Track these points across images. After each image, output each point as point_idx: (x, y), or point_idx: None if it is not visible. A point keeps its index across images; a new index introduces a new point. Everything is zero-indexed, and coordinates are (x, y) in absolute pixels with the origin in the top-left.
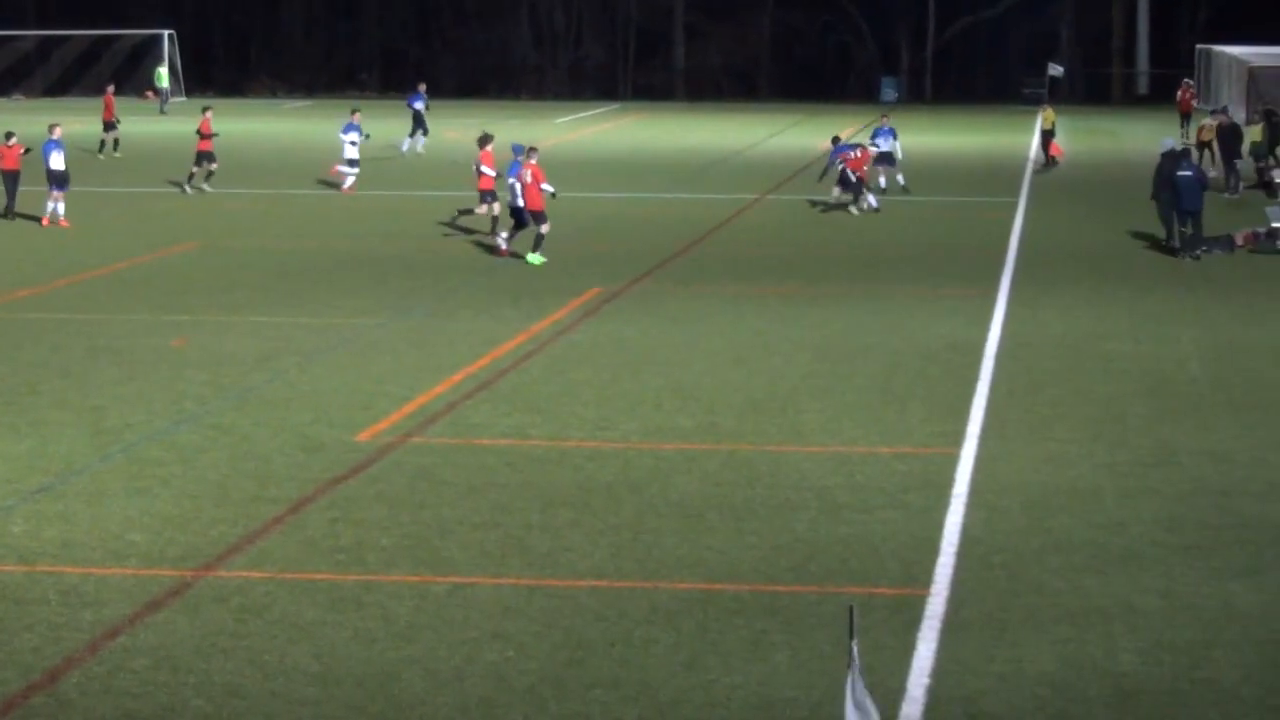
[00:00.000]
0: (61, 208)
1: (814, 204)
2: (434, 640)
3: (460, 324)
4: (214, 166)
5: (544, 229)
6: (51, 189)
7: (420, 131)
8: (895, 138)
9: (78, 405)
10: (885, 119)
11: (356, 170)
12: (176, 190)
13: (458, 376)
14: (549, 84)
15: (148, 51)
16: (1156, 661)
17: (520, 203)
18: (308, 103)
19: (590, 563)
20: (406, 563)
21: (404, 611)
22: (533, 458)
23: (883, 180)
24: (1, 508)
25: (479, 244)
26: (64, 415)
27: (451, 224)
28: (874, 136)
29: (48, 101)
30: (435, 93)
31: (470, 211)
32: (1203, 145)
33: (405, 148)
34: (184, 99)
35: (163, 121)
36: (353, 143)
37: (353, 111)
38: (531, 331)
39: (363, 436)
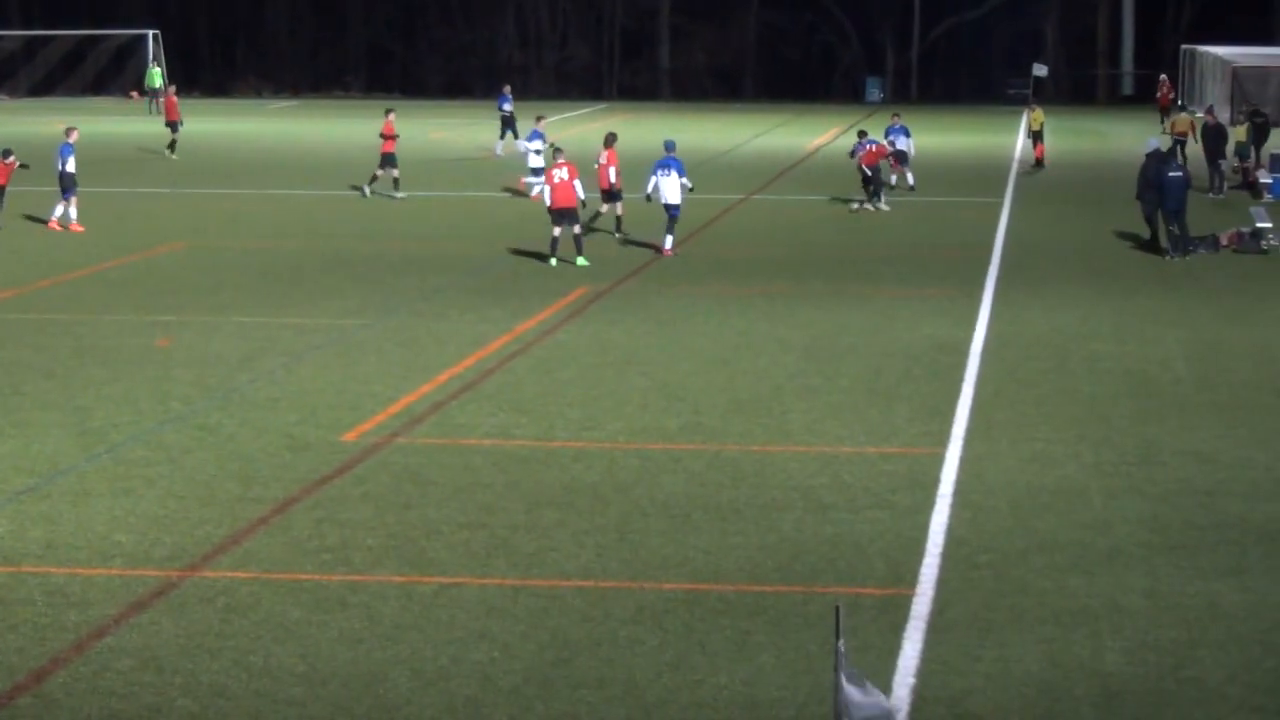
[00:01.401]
0: (74, 212)
1: (836, 200)
2: (420, 640)
3: (446, 324)
4: (396, 172)
5: (577, 229)
6: (64, 194)
7: (510, 133)
8: (908, 135)
9: (63, 405)
10: (897, 117)
11: (541, 179)
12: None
13: (444, 377)
14: (535, 84)
15: (133, 52)
16: (1142, 661)
17: (666, 200)
18: (294, 103)
19: (576, 563)
20: (392, 563)
21: (390, 612)
22: (519, 458)
23: (894, 178)
24: None
25: (520, 249)
26: (49, 416)
27: (586, 228)
28: (887, 134)
29: (32, 101)
30: (420, 93)
31: (598, 214)
32: (1178, 140)
33: (499, 150)
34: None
35: (155, 122)
36: (536, 151)
37: (538, 118)
38: (517, 332)
39: (349, 437)
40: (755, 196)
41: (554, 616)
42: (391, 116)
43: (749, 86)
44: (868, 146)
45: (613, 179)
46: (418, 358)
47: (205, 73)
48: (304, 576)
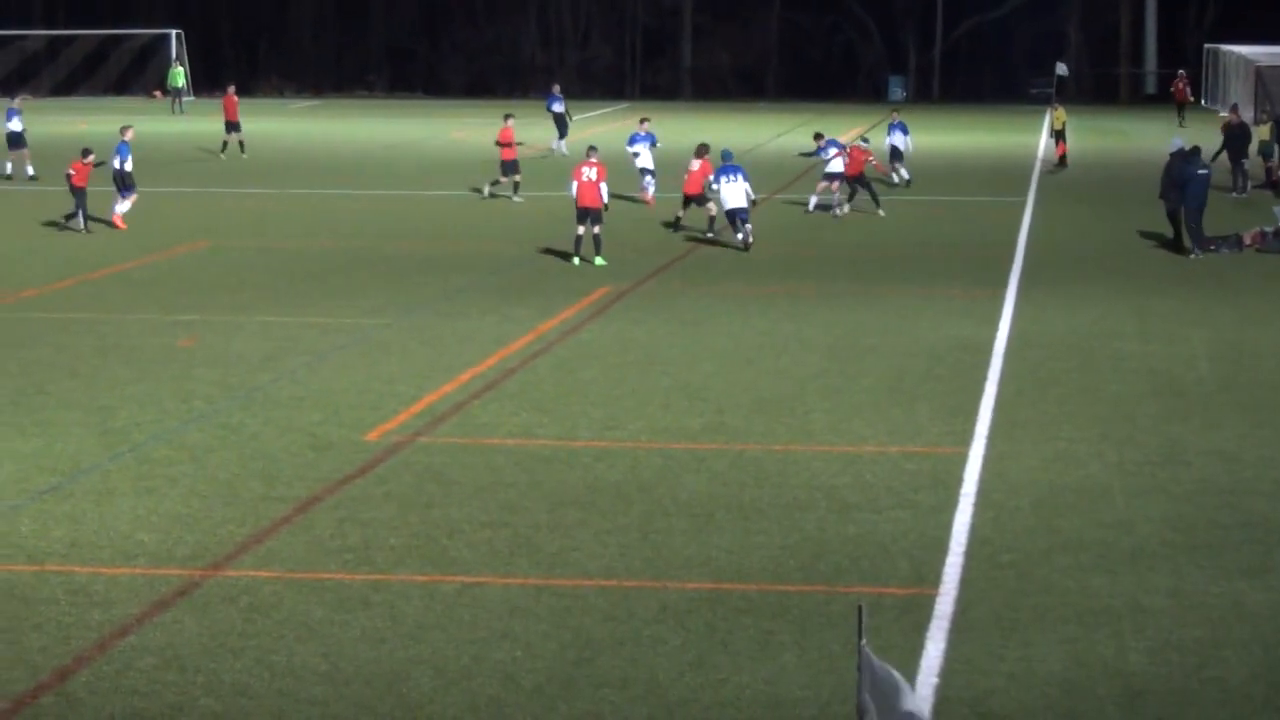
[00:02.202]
0: (120, 209)
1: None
2: (442, 640)
3: (469, 323)
4: (518, 177)
5: (598, 229)
6: (122, 191)
7: (562, 133)
8: (906, 133)
9: (86, 405)
10: (896, 114)
11: (652, 179)
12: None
13: (466, 376)
14: (557, 83)
15: (155, 52)
16: (1165, 661)
17: (729, 205)
18: (316, 102)
19: (599, 562)
20: (415, 562)
21: (412, 611)
22: (541, 457)
23: (894, 176)
24: (10, 507)
25: (546, 250)
26: (72, 415)
27: (677, 225)
28: (888, 132)
29: (54, 101)
30: (443, 93)
31: (678, 220)
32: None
33: (554, 147)
34: (193, 98)
35: (179, 121)
36: (635, 154)
37: (641, 121)
38: (540, 331)
39: (371, 436)
40: (777, 196)
41: (576, 616)
42: (510, 123)
43: (771, 86)
44: (842, 150)
45: (704, 185)
46: (440, 357)
47: (228, 72)
48: (326, 576)
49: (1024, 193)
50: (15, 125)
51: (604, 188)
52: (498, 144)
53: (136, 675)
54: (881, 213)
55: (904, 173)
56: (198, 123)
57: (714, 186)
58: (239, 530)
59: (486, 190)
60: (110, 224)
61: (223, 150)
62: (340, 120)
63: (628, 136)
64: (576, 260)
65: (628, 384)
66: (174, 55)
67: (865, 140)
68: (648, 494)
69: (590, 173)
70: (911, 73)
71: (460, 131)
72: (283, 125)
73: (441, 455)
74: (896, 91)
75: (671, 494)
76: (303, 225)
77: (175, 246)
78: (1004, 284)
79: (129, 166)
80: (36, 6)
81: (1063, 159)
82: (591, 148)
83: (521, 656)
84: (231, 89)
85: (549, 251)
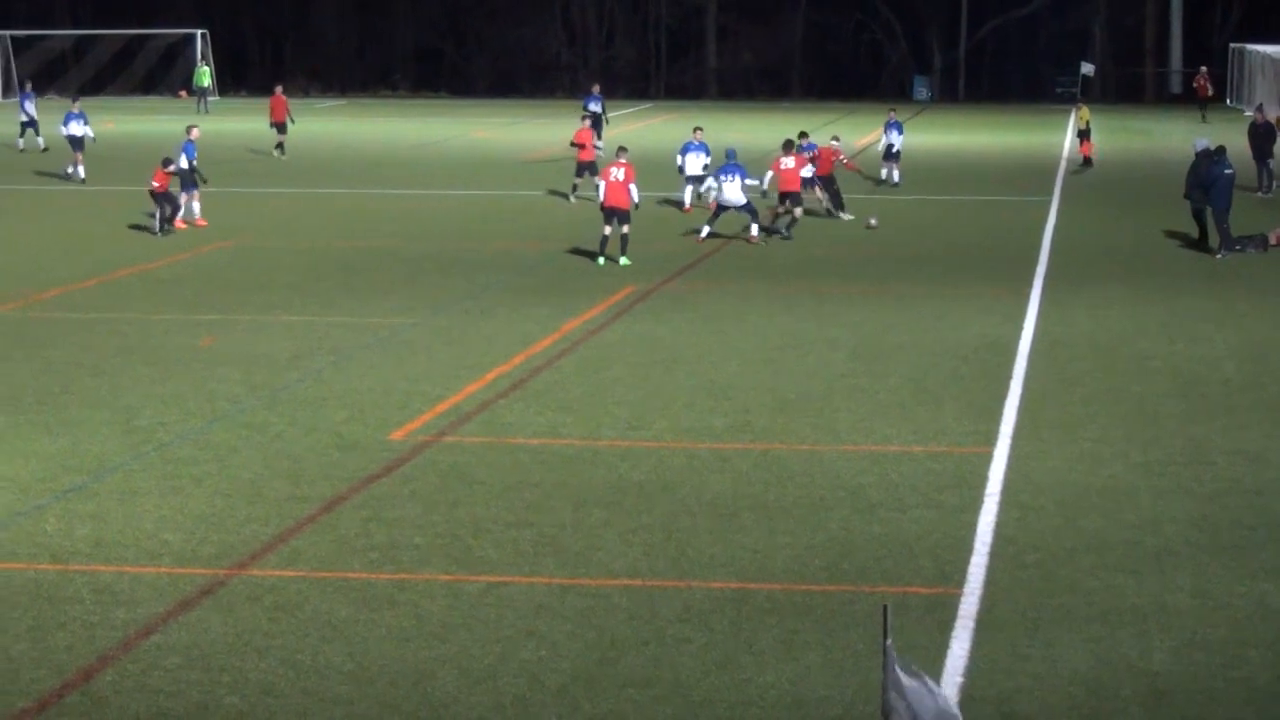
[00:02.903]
0: (197, 207)
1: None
2: (467, 639)
3: (493, 323)
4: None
5: (625, 229)
6: (185, 190)
7: (598, 133)
8: (901, 132)
9: (110, 404)
10: (893, 113)
11: (693, 187)
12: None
13: (491, 375)
14: (581, 83)
15: (180, 51)
16: (1190, 661)
17: (729, 200)
18: (340, 102)
19: (623, 562)
20: (440, 561)
21: (437, 610)
22: (566, 457)
23: (883, 173)
24: (35, 507)
25: (574, 249)
26: (97, 414)
27: (785, 234)
28: (885, 130)
29: (81, 101)
30: (467, 92)
31: (778, 217)
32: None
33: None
34: (218, 98)
35: (204, 121)
36: (682, 166)
37: (696, 130)
38: (564, 330)
39: (396, 435)
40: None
41: (601, 615)
42: (587, 123)
43: (796, 85)
44: (814, 150)
45: (803, 180)
46: (465, 356)
47: (253, 72)
48: (351, 575)
49: (1049, 192)
50: (75, 129)
51: (634, 189)
52: (573, 144)
53: (161, 674)
54: (845, 216)
55: (895, 175)
56: (223, 122)
57: (715, 184)
58: (264, 529)
59: (572, 199)
60: (193, 225)
61: (280, 150)
62: (365, 120)
63: (680, 146)
64: (601, 260)
65: (652, 383)
66: (199, 55)
67: (836, 139)
68: (672, 494)
69: (618, 173)
70: (936, 72)
71: (484, 131)
72: (308, 125)
73: (466, 455)
74: (921, 91)
75: (696, 494)
76: (328, 225)
77: (200, 246)
78: (1029, 284)
79: (188, 166)
80: (62, 6)
81: (1088, 159)
82: (621, 148)
83: (546, 656)
84: (279, 89)
85: (575, 251)
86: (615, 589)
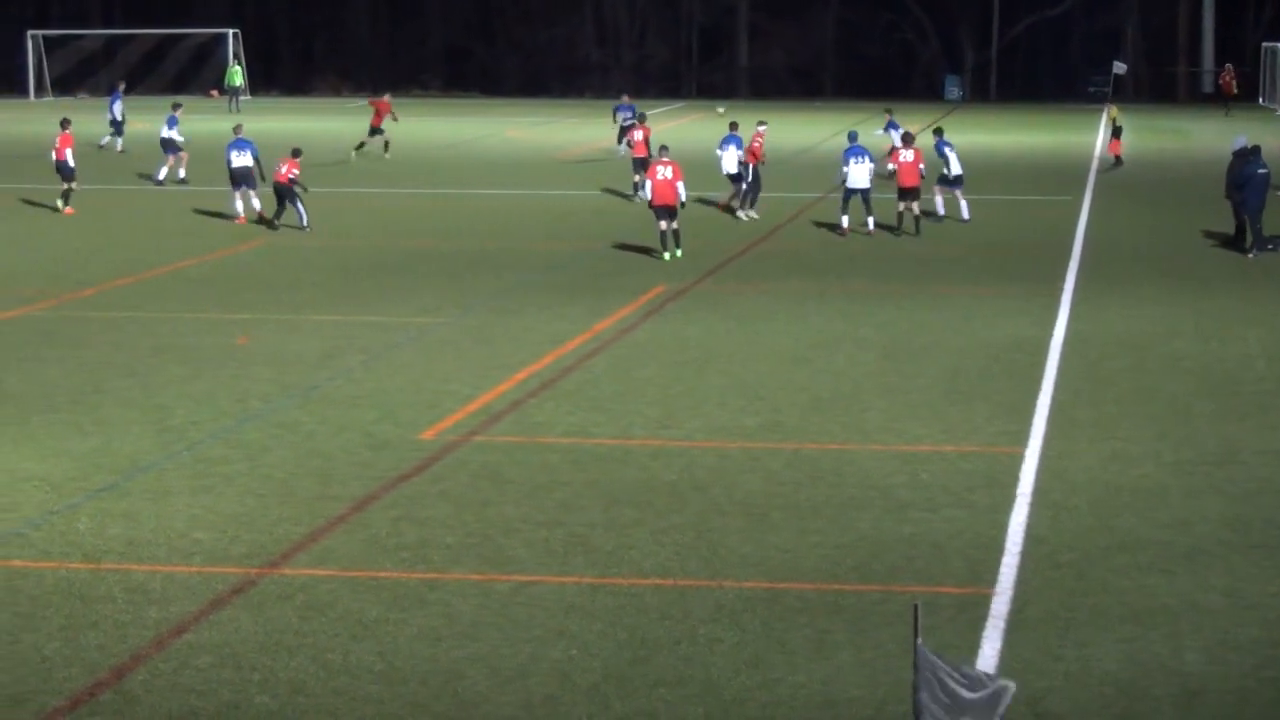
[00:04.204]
0: (256, 203)
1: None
2: (498, 638)
3: (524, 322)
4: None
5: (674, 225)
6: (239, 187)
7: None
8: (898, 129)
9: (142, 404)
10: (890, 113)
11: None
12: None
13: (522, 375)
14: (613, 83)
15: (212, 51)
16: (1222, 660)
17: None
18: (364, 101)
19: (654, 561)
20: (470, 561)
21: (468, 610)
22: (596, 456)
23: (890, 167)
24: (67, 506)
25: (625, 245)
26: (129, 414)
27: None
28: (885, 129)
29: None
30: (498, 92)
31: (918, 218)
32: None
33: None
34: (249, 97)
35: (236, 120)
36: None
37: (731, 125)
38: (595, 330)
39: (427, 435)
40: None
41: (632, 615)
42: (646, 124)
43: (828, 85)
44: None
45: (921, 175)
46: (496, 356)
47: (284, 71)
48: (382, 574)
49: (1081, 191)
50: (170, 132)
51: (681, 186)
52: (628, 144)
53: (193, 673)
54: (743, 216)
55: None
56: (254, 121)
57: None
58: (295, 529)
59: (637, 197)
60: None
61: (358, 148)
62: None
63: (718, 141)
64: (667, 255)
65: (683, 383)
66: (231, 54)
67: (762, 124)
68: (703, 493)
69: (666, 171)
70: (968, 71)
71: (516, 130)
72: (340, 124)
73: (497, 454)
74: (953, 90)
75: (727, 493)
76: (359, 224)
77: (232, 245)
78: (1061, 283)
79: (237, 163)
80: (94, 6)
81: (1118, 158)
82: (663, 147)
83: (577, 655)
84: (387, 96)
85: (606, 248)
86: (646, 588)
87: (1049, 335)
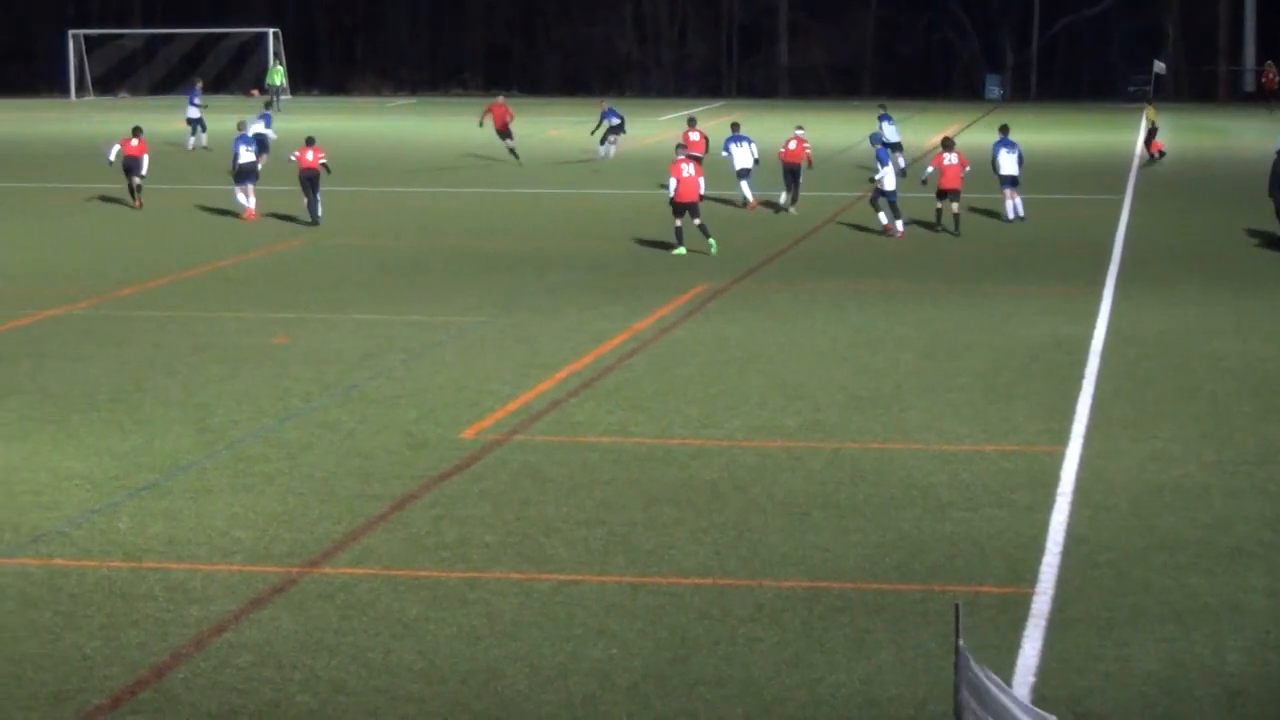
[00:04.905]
0: (251, 200)
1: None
2: (538, 637)
3: (564, 321)
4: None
5: (698, 220)
6: (245, 182)
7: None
8: (892, 123)
9: (183, 402)
10: (883, 107)
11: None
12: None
13: (562, 374)
14: (653, 81)
15: (252, 50)
16: (1264, 660)
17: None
18: (411, 100)
19: (695, 560)
20: (510, 560)
21: (508, 609)
22: (637, 455)
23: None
24: (108, 504)
25: (642, 241)
26: (170, 412)
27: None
28: (879, 123)
29: (152, 99)
30: (538, 90)
31: (957, 215)
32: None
33: (605, 155)
34: (290, 97)
35: (276, 119)
36: (727, 155)
37: (733, 125)
38: (635, 329)
39: (467, 434)
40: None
41: (672, 614)
42: (697, 126)
43: (867, 84)
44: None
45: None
46: (536, 355)
47: (325, 71)
48: (422, 573)
49: (1121, 191)
50: (261, 129)
51: (701, 181)
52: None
53: (233, 672)
54: (793, 210)
55: (900, 161)
56: (295, 121)
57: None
58: (335, 528)
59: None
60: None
61: (515, 156)
62: (436, 118)
63: (723, 141)
64: (682, 250)
65: (724, 382)
66: (272, 53)
67: (800, 128)
68: (744, 492)
69: (689, 169)
70: (1008, 70)
71: (557, 130)
72: (380, 124)
73: (537, 453)
74: (993, 90)
75: (768, 492)
76: (399, 223)
77: (272, 244)
78: (1101, 282)
79: (244, 158)
80: (134, 6)
81: (1154, 154)
82: (679, 145)
83: (617, 654)
84: (501, 97)
85: (646, 247)
86: (686, 588)
87: (1089, 334)
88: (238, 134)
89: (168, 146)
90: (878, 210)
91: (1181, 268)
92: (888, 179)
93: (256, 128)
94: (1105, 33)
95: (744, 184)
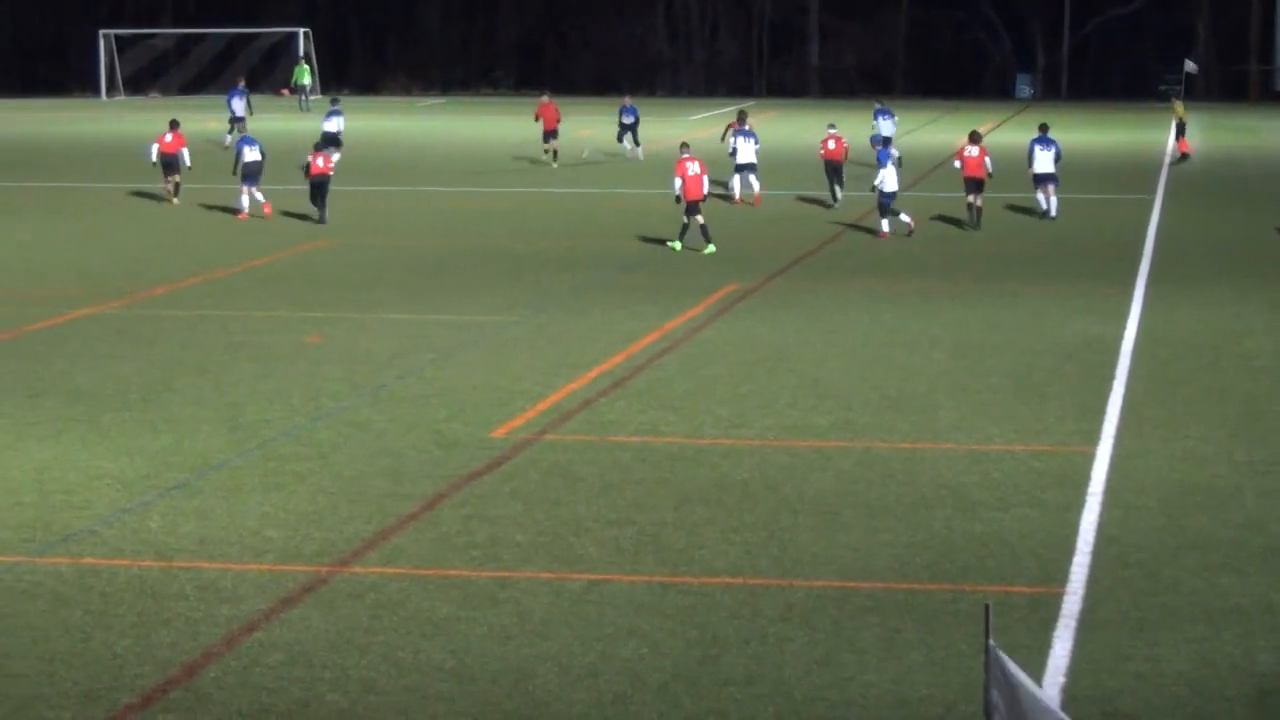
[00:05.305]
0: (260, 196)
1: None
2: (568, 637)
3: (595, 321)
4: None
5: (701, 219)
6: (249, 182)
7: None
8: (890, 117)
9: (214, 402)
10: (879, 102)
11: (754, 176)
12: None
13: (593, 373)
14: (684, 80)
15: (284, 50)
16: None
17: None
18: (441, 100)
19: (725, 560)
20: (541, 559)
21: (538, 608)
22: (667, 455)
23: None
24: (139, 504)
25: (649, 240)
26: (201, 412)
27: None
28: (875, 117)
29: (183, 99)
30: (570, 90)
31: (979, 209)
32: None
33: (629, 153)
34: (319, 96)
35: (305, 119)
36: (734, 150)
37: (740, 116)
38: (666, 328)
39: (498, 433)
40: (904, 194)
41: (703, 614)
42: (834, 130)
43: (898, 83)
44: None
45: (989, 169)
46: (567, 354)
47: (356, 70)
48: (453, 573)
49: (1152, 190)
50: (331, 125)
51: (705, 180)
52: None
53: (264, 671)
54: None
55: (894, 152)
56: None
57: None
58: (366, 527)
59: (736, 191)
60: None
61: (554, 159)
62: (467, 118)
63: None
64: (678, 245)
65: (754, 381)
66: (301, 53)
67: (832, 126)
68: (774, 492)
69: (694, 167)
70: (1039, 70)
71: (589, 130)
72: (411, 123)
73: (568, 452)
74: (1024, 89)
75: (798, 492)
76: (430, 223)
77: (303, 244)
78: (1132, 282)
79: (249, 157)
80: (166, 6)
81: (1182, 154)
82: (684, 144)
83: (647, 654)
84: (546, 97)
85: (684, 246)
86: (717, 587)
87: (1120, 334)
88: (240, 135)
89: (207, 144)
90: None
91: (1213, 267)
92: (888, 180)
93: (330, 125)
94: (1136, 32)
95: (737, 178)
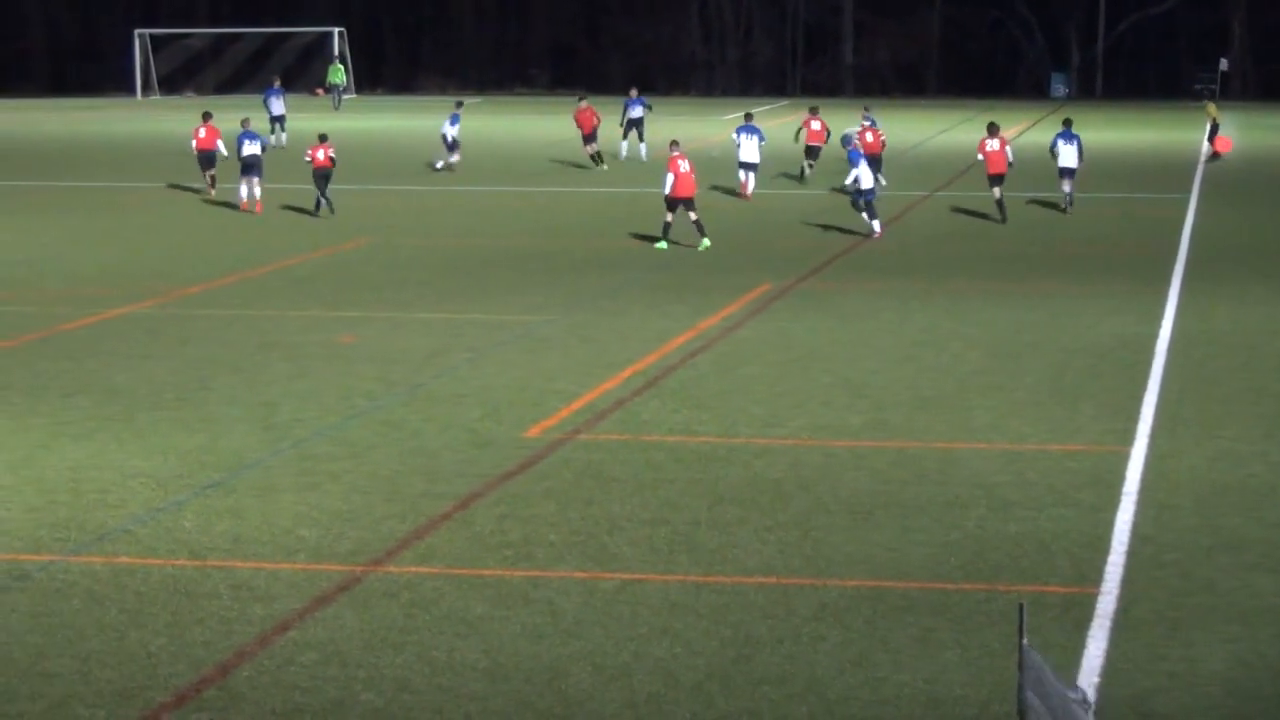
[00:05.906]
0: (258, 191)
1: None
2: (602, 636)
3: (629, 320)
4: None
5: (693, 215)
6: (248, 175)
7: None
8: (875, 124)
9: (248, 401)
10: (867, 109)
11: (753, 174)
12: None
13: (626, 373)
14: (718, 80)
15: (319, 49)
16: None
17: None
18: (476, 99)
19: (759, 559)
20: (575, 559)
21: (572, 607)
22: (701, 454)
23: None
24: (173, 502)
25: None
26: (235, 411)
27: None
28: (862, 123)
29: (218, 99)
30: (604, 89)
31: (1000, 203)
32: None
33: (624, 153)
34: (352, 95)
35: (338, 118)
36: (739, 145)
37: (746, 116)
38: (700, 328)
39: (532, 433)
40: (939, 193)
41: (736, 613)
42: (819, 115)
43: (932, 83)
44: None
45: (1010, 159)
46: (601, 354)
47: (390, 70)
48: (486, 572)
49: (1187, 189)
50: (448, 130)
51: (693, 177)
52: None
53: (298, 670)
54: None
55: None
56: (355, 120)
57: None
58: (400, 526)
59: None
60: (250, 210)
61: (598, 162)
62: (501, 117)
63: (735, 130)
64: (664, 244)
65: (788, 381)
66: (335, 52)
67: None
68: (808, 491)
69: (685, 164)
70: (1074, 69)
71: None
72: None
73: (602, 452)
74: (1059, 88)
75: (832, 491)
76: (465, 223)
77: (338, 244)
78: (1167, 281)
79: (246, 151)
80: (201, 5)
81: (1215, 153)
82: (674, 142)
83: (681, 653)
84: (584, 101)
85: (718, 246)
86: (750, 586)
87: (1155, 334)
88: (241, 130)
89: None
90: (859, 212)
91: (1248, 267)
92: (864, 178)
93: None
94: (1171, 31)
95: (750, 173)
